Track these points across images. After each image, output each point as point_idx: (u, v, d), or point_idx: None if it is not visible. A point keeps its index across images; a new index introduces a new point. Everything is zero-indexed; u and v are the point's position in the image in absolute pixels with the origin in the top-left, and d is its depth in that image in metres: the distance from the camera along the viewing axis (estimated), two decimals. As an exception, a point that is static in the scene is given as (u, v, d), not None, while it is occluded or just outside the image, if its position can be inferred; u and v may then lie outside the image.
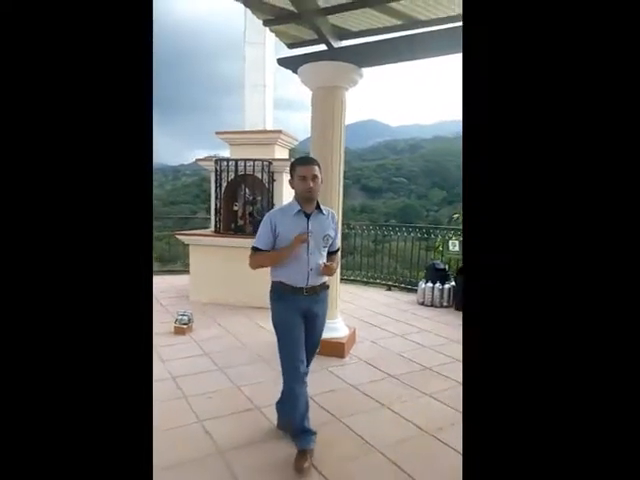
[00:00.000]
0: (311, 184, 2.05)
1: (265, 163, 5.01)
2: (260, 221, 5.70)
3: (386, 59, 3.77)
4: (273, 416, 2.56)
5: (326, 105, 3.68)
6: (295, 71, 3.84)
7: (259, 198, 5.25)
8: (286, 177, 5.21)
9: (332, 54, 3.62)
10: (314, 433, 2.17)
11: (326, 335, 3.61)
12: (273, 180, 5.09)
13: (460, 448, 2.25)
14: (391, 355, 3.65)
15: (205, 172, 5.82)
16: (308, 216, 2.12)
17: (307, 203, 2.11)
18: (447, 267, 5.74)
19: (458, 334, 4.29)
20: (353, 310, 4.98)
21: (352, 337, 3.78)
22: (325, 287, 2.23)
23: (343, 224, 4.42)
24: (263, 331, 4.19)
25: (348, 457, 2.16)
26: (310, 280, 2.11)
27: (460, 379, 3.17)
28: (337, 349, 3.53)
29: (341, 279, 3.99)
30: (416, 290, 5.75)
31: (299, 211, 2.11)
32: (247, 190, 5.29)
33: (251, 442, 2.30)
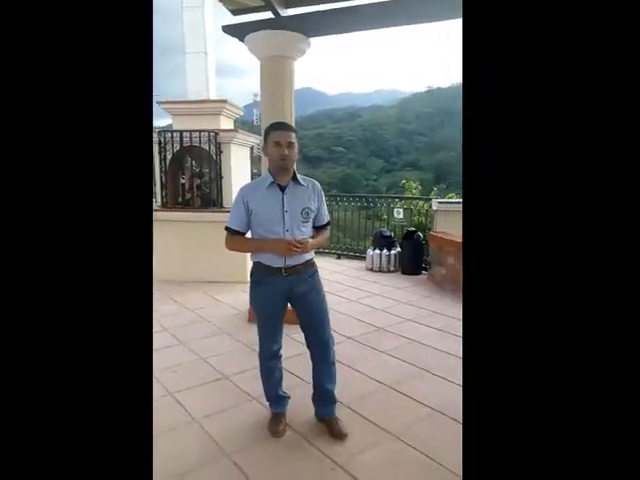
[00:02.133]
0: (286, 151, 1.87)
1: (211, 134, 4.89)
2: (208, 194, 5.54)
3: (334, 29, 3.78)
4: (242, 383, 2.66)
5: (275, 75, 3.65)
6: (241, 39, 3.74)
7: (206, 170, 5.14)
8: (233, 148, 5.13)
9: (280, 23, 3.56)
10: (288, 397, 2.27)
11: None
12: (220, 151, 4.99)
13: (419, 398, 2.49)
14: (347, 319, 3.84)
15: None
16: (283, 189, 1.94)
17: (281, 174, 1.93)
18: (393, 234, 6.02)
19: (405, 296, 4.59)
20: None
21: (309, 304, 3.92)
22: (309, 265, 2.04)
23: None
24: (222, 305, 4.22)
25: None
26: (288, 260, 1.93)
27: (411, 336, 3.44)
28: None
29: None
30: (364, 257, 5.99)
31: (272, 183, 1.93)
32: (193, 162, 5.15)
33: (223, 409, 2.38)
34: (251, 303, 2.16)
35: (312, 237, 2.04)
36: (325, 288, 2.15)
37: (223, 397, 2.51)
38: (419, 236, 5.59)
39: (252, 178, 6.07)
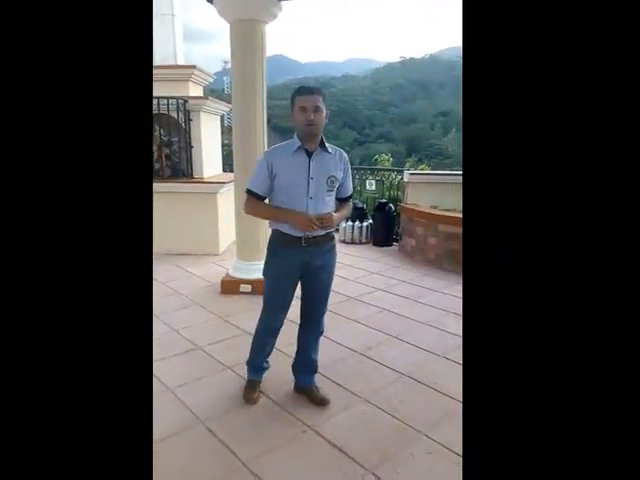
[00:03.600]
0: (312, 116, 1.81)
1: (180, 101, 4.72)
2: (177, 163, 5.39)
3: (306, -7, 3.66)
4: (216, 353, 2.68)
5: (246, 40, 3.52)
6: (210, 1, 3.58)
7: (175, 139, 4.98)
8: (203, 117, 4.98)
9: (250, -16, 3.42)
10: (268, 368, 2.28)
11: (259, 275, 3.72)
12: (190, 120, 4.84)
13: (388, 363, 2.58)
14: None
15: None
16: (310, 155, 1.88)
17: (309, 139, 1.86)
18: (365, 206, 6.06)
19: (377, 267, 4.67)
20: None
21: (282, 275, 3.95)
22: (329, 238, 2.00)
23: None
24: (194, 277, 4.19)
25: (291, 379, 2.37)
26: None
27: (382, 305, 3.53)
28: (269, 287, 3.69)
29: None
30: (337, 229, 6.03)
31: (299, 148, 1.87)
32: (162, 131, 4.98)
33: (198, 378, 2.41)
34: (264, 273, 2.06)
35: (336, 210, 1.99)
36: None
37: (197, 367, 2.53)
38: (390, 208, 5.65)
39: (223, 149, 5.94)
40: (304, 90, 1.86)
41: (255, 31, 3.52)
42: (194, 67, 5.01)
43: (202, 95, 5.31)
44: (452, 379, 2.38)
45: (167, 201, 4.81)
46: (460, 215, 4.52)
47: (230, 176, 5.03)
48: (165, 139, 4.98)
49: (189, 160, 4.92)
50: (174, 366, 2.53)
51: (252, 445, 1.88)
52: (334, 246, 2.05)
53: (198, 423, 2.02)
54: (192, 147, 4.90)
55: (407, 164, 7.11)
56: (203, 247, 4.86)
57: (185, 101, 4.75)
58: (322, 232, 1.92)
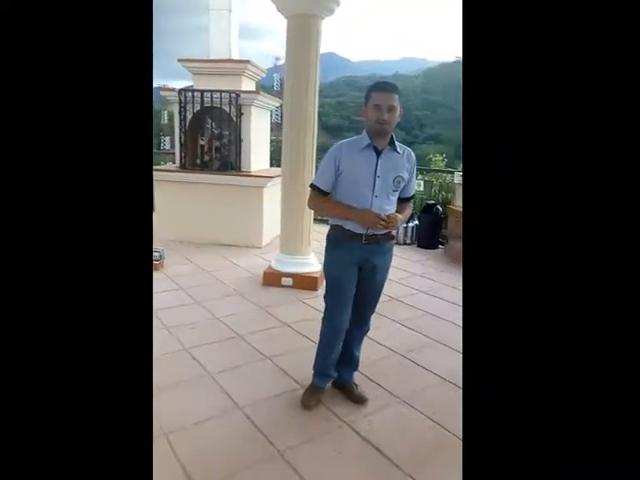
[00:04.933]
0: (385, 116, 1.75)
1: (232, 95, 4.82)
2: (227, 156, 5.52)
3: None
4: (256, 343, 2.72)
5: (302, 35, 3.54)
6: (268, -4, 3.62)
7: (226, 133, 5.09)
8: (254, 111, 5.06)
9: (308, -22, 3.43)
10: (332, 377, 2.16)
11: (300, 270, 3.76)
12: (241, 114, 4.93)
13: (428, 366, 2.52)
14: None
15: (168, 102, 5.53)
16: (379, 153, 1.84)
17: (379, 137, 1.82)
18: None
19: (421, 269, 4.57)
20: (323, 248, 5.13)
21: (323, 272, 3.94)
22: (389, 237, 1.96)
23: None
24: (237, 268, 4.27)
25: (329, 375, 2.36)
26: (371, 227, 1.84)
27: (425, 308, 3.45)
28: (310, 283, 3.70)
29: (314, 219, 4.07)
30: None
31: (368, 145, 1.83)
32: (213, 124, 5.10)
33: (237, 366, 2.45)
34: (325, 268, 2.03)
35: (397, 210, 1.94)
36: None
37: (237, 354, 2.57)
38: (438, 209, 5.52)
39: (270, 145, 6.01)
40: (380, 86, 1.80)
41: (311, 26, 3.52)
42: (248, 62, 5.10)
43: (255, 90, 5.40)
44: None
45: (215, 193, 4.94)
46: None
47: (277, 171, 5.09)
48: (216, 132, 5.10)
49: (238, 154, 5.01)
50: (215, 352, 2.59)
51: (288, 435, 1.88)
52: (392, 246, 2.02)
53: (236, 409, 2.05)
54: (242, 141, 4.99)
55: (460, 166, 6.90)
56: (247, 239, 4.95)
57: (237, 95, 4.84)
58: (383, 231, 1.87)
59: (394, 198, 1.92)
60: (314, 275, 3.75)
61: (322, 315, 2.09)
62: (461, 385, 2.30)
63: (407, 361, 2.59)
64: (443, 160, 6.98)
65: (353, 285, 1.97)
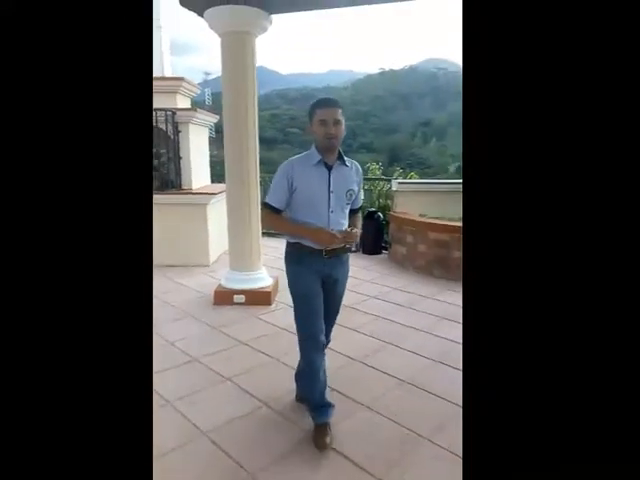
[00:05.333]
0: (333, 130, 1.78)
1: (168, 113, 4.71)
2: (166, 175, 5.34)
3: (295, 6, 3.72)
4: (213, 364, 2.66)
5: (237, 52, 3.55)
6: (200, 14, 3.60)
7: (163, 151, 4.95)
8: (192, 128, 4.97)
9: (240, -3, 3.46)
10: (333, 406, 2.03)
11: (252, 285, 3.73)
12: (178, 131, 4.82)
13: (388, 370, 2.59)
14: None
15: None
16: (330, 168, 1.87)
17: (328, 152, 1.84)
18: (353, 214, 6.09)
19: (369, 275, 4.70)
20: (273, 261, 5.12)
21: (276, 285, 3.94)
22: (347, 249, 1.97)
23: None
24: (185, 288, 4.14)
25: (291, 388, 2.35)
26: None
27: (376, 312, 3.55)
28: (263, 298, 3.68)
29: (262, 233, 4.06)
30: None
31: (320, 161, 1.85)
32: (149, 143, 4.94)
33: (196, 391, 2.37)
34: (291, 287, 1.97)
35: (351, 223, 1.97)
36: (283, 267, 2.05)
37: (195, 379, 2.50)
38: (379, 216, 5.71)
39: (211, 160, 5.93)
40: (324, 102, 1.82)
41: (245, 43, 3.55)
42: (182, 79, 5.02)
43: (190, 106, 5.31)
44: (451, 384, 2.40)
45: (156, 212, 4.74)
46: (449, 223, 4.60)
47: (219, 187, 5.03)
48: (154, 151, 4.94)
49: (178, 171, 4.90)
50: (171, 379, 2.50)
51: (257, 455, 1.86)
52: (349, 256, 2.04)
53: (201, 435, 1.99)
54: (181, 158, 4.89)
55: (396, 173, 7.19)
56: (193, 258, 4.83)
57: (174, 113, 4.74)
58: (341, 244, 1.88)
59: (347, 211, 1.96)
60: (267, 290, 3.73)
61: (297, 342, 1.97)
62: (420, 386, 2.40)
63: (365, 367, 2.65)
64: (379, 168, 7.25)
65: (321, 299, 1.96)
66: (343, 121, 1.83)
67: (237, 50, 3.54)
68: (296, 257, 1.93)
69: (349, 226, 1.95)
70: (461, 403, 2.20)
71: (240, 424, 2.09)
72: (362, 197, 2.11)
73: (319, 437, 1.93)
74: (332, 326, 2.14)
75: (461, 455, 1.85)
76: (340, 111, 1.81)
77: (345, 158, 1.92)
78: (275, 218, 1.94)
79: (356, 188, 1.96)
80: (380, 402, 2.26)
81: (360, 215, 2.13)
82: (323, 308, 1.97)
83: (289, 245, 1.96)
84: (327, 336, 2.11)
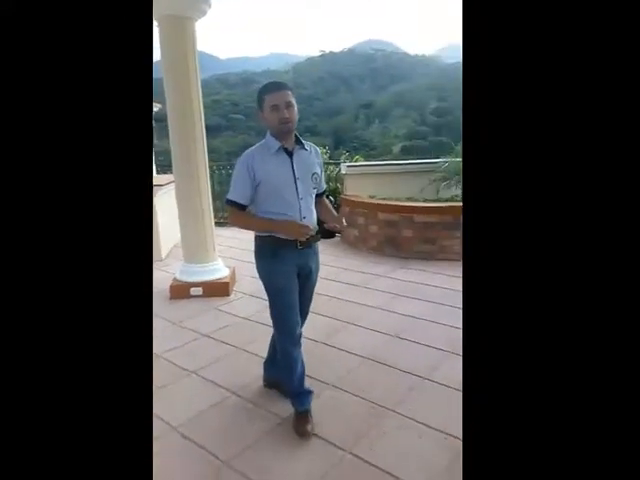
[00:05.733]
0: (286, 113, 1.72)
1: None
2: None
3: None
4: (176, 359, 2.63)
5: (176, 37, 3.43)
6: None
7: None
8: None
9: (177, -21, 3.32)
10: (312, 392, 2.06)
11: (209, 277, 3.69)
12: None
13: (348, 349, 2.69)
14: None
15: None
16: (290, 154, 1.81)
17: (285, 138, 1.78)
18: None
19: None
20: (225, 250, 5.06)
21: (233, 275, 3.91)
22: (317, 238, 1.93)
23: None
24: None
25: (259, 375, 2.38)
26: None
27: (333, 294, 3.64)
28: (221, 289, 3.65)
29: (215, 223, 4.00)
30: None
31: (279, 148, 1.78)
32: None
33: (162, 386, 2.35)
34: (264, 281, 1.92)
35: (321, 211, 1.96)
36: (244, 258, 2.06)
37: (159, 375, 2.46)
38: (331, 200, 5.77)
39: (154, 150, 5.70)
40: (272, 87, 1.75)
41: (186, 28, 3.44)
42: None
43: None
44: (409, 357, 2.54)
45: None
46: (398, 203, 4.76)
47: (166, 178, 4.87)
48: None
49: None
50: (134, 378, 2.45)
51: (231, 444, 1.89)
52: (318, 245, 2.02)
53: (171, 430, 1.98)
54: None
55: (342, 156, 7.26)
56: (143, 253, 4.67)
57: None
58: (313, 232, 1.84)
59: (314, 196, 1.91)
60: (224, 280, 3.70)
61: (272, 334, 2.01)
62: (381, 361, 2.51)
63: (328, 347, 2.73)
64: (327, 152, 7.29)
65: (296, 292, 1.93)
66: (295, 103, 1.77)
67: (177, 35, 3.42)
68: (269, 251, 1.86)
69: (322, 214, 1.95)
70: (421, 374, 2.35)
71: (210, 415, 2.10)
72: (324, 180, 2.04)
73: (300, 425, 1.94)
74: (307, 315, 2.13)
75: (424, 422, 1.98)
76: (290, 93, 1.76)
77: (303, 141, 1.87)
78: (242, 216, 1.87)
79: (319, 171, 1.91)
80: (345, 380, 2.35)
81: (326, 200, 2.06)
82: (298, 300, 1.95)
83: (259, 239, 1.89)
84: (304, 321, 2.09)
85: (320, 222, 1.96)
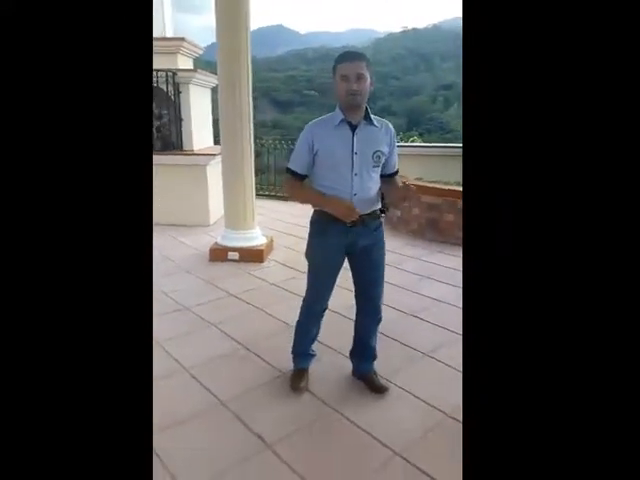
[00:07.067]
0: (354, 86, 1.66)
1: (169, 74, 4.79)
2: (168, 136, 5.45)
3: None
4: (203, 313, 2.88)
5: (230, 7, 3.56)
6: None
7: (165, 112, 5.06)
8: (193, 89, 5.05)
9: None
10: (314, 355, 2.15)
11: (246, 244, 3.92)
12: (179, 92, 4.92)
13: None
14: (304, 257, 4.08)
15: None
16: (354, 128, 1.76)
17: (352, 111, 1.74)
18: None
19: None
20: (269, 222, 5.28)
21: (270, 245, 4.12)
22: (376, 216, 1.87)
23: (255, 141, 4.39)
24: (184, 246, 4.37)
25: (272, 333, 2.56)
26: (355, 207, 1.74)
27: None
28: (256, 255, 3.87)
29: (257, 195, 4.21)
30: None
31: (342, 121, 1.75)
32: (152, 103, 5.05)
33: (185, 334, 2.61)
34: (307, 254, 1.97)
35: (387, 190, 1.88)
36: (286, 231, 2.08)
37: (183, 324, 2.73)
38: (379, 180, 5.76)
39: (214, 123, 6.01)
40: (345, 56, 1.71)
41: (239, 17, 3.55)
42: (183, 39, 5.05)
43: (192, 67, 5.36)
44: (417, 333, 2.59)
45: (159, 173, 4.90)
46: (442, 186, 4.66)
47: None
48: (156, 112, 5.06)
49: (179, 133, 5.02)
50: (161, 323, 2.73)
51: (231, 387, 2.09)
52: (381, 223, 1.94)
53: (182, 371, 2.23)
54: (182, 120, 5.00)
55: (410, 139, 7.12)
56: (194, 218, 5.02)
57: (174, 73, 4.81)
58: (367, 209, 1.81)
59: (376, 175, 1.84)
60: (259, 248, 3.92)
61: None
62: (386, 333, 2.57)
63: (342, 317, 2.83)
64: (397, 134, 7.24)
65: (336, 272, 1.95)
66: (368, 76, 1.70)
67: (231, 5, 3.56)
68: (320, 227, 1.86)
69: (389, 193, 1.88)
70: (424, 350, 2.39)
71: (219, 362, 2.32)
72: (396, 161, 1.92)
73: (295, 380, 2.07)
74: (379, 299, 2.03)
75: (414, 393, 2.04)
76: (364, 64, 1.69)
77: (373, 117, 1.80)
78: (297, 186, 1.88)
79: (386, 149, 1.82)
80: (347, 347, 2.45)
81: (398, 180, 1.94)
82: (359, 280, 1.98)
83: (315, 212, 1.90)
84: (376, 311, 2.07)
85: (383, 199, 1.92)
